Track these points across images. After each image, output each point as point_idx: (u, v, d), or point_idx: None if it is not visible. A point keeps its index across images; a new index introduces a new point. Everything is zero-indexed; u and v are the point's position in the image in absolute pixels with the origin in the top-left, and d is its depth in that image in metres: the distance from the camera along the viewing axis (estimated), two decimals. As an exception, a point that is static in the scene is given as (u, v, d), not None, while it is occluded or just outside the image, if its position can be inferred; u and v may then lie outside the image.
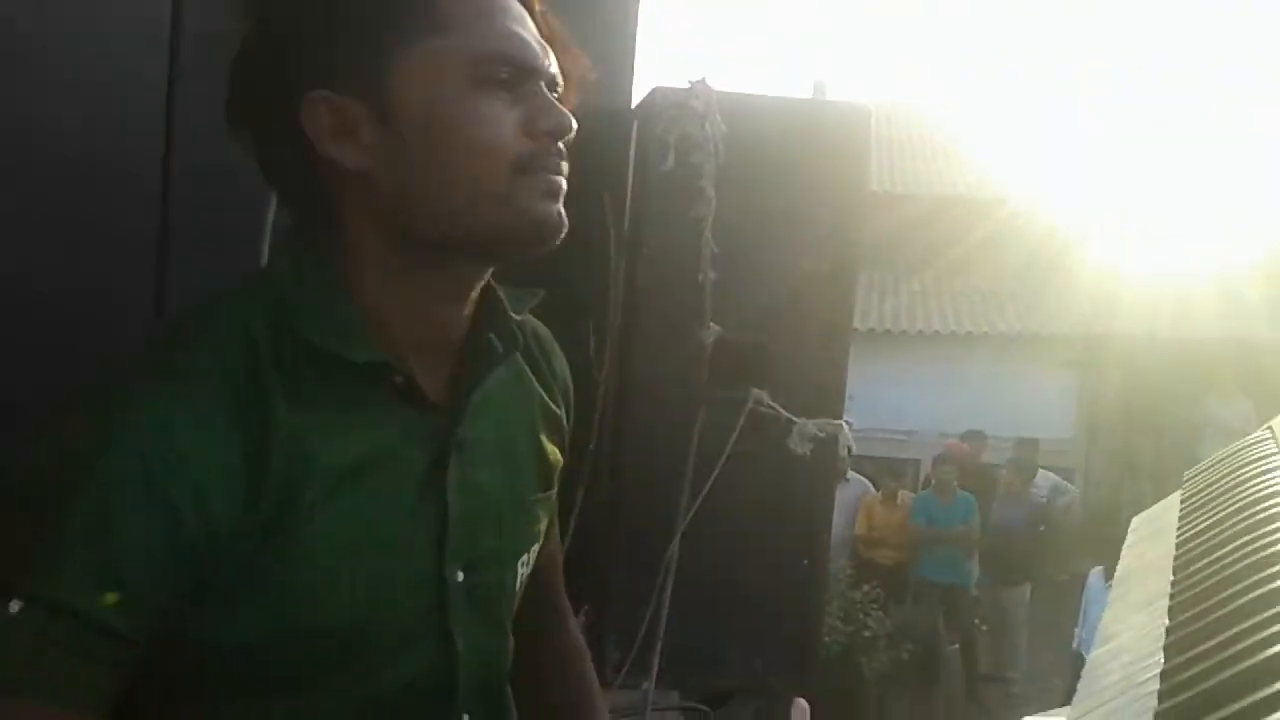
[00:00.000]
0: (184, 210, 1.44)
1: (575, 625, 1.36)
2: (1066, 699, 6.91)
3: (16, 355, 1.26)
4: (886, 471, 9.85)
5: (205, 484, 0.86)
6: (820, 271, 2.01)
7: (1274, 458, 1.26)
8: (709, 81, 1.96)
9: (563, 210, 0.99)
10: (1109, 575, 7.55)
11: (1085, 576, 7.99)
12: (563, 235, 0.99)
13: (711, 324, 1.96)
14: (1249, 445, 1.37)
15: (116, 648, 0.84)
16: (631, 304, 2.01)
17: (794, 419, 1.99)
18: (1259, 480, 1.19)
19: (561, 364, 1.23)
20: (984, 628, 9.63)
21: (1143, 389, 12.28)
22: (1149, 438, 12.36)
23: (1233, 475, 1.28)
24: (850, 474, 9.09)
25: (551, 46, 1.01)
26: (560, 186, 0.99)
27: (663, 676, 1.98)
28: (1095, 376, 12.48)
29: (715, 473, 1.96)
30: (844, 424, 2.04)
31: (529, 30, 0.98)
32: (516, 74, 0.95)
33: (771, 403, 1.99)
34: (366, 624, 0.96)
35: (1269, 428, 1.39)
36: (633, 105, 2.16)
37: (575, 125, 0.98)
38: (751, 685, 2.03)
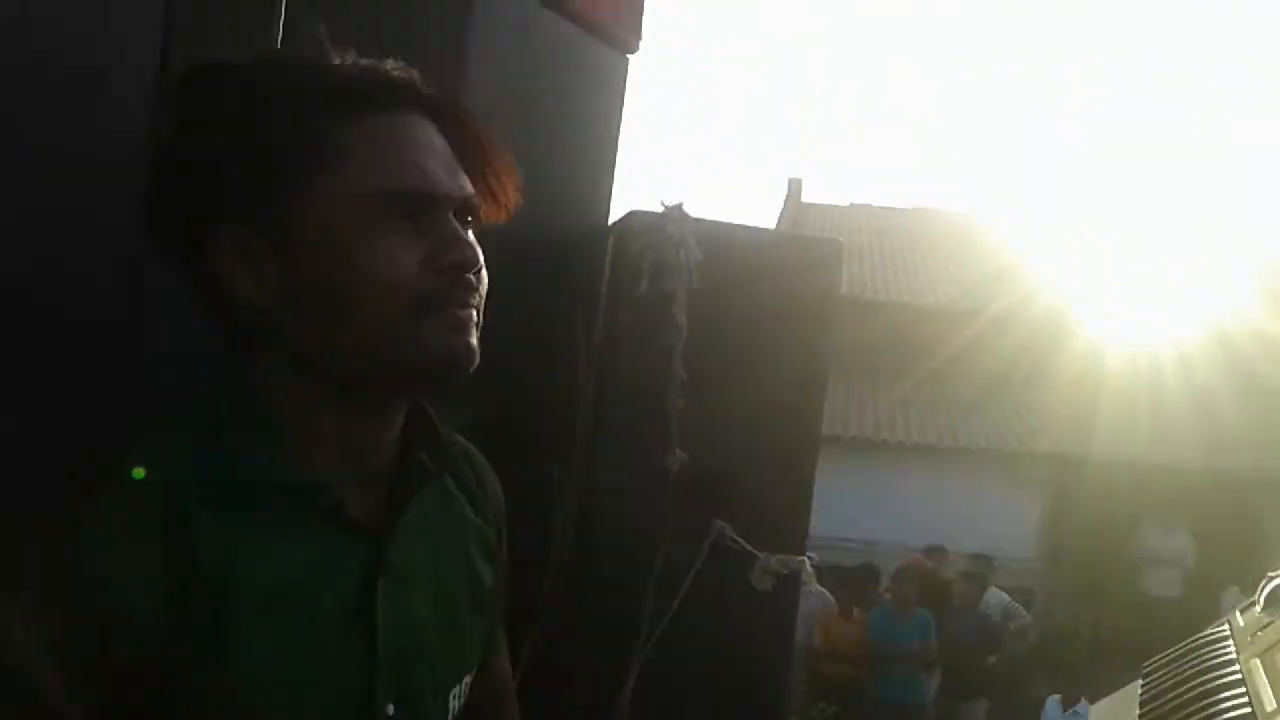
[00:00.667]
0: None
1: None
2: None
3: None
4: (845, 584, 9.77)
5: (131, 609, 0.84)
6: (787, 403, 2.01)
7: (1228, 650, 1.25)
8: (685, 206, 1.98)
9: (474, 342, 0.96)
10: (1066, 704, 7.53)
11: (1042, 702, 7.93)
12: (474, 366, 0.96)
13: (677, 450, 1.95)
14: (1207, 638, 1.36)
15: None
16: (600, 423, 2.00)
17: (756, 554, 1.96)
18: (1215, 675, 1.17)
19: (494, 482, 1.19)
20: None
21: (1107, 514, 12.35)
22: (1110, 563, 12.40)
23: (1191, 671, 1.27)
24: (812, 586, 8.98)
25: (478, 157, 1.00)
26: (469, 320, 0.96)
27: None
28: (1060, 498, 12.53)
29: (673, 607, 1.93)
30: (806, 559, 2.01)
31: (435, 156, 0.96)
32: (419, 207, 0.93)
33: (735, 536, 1.97)
34: None
35: (1226, 622, 1.38)
36: (609, 222, 2.18)
37: (481, 257, 0.96)
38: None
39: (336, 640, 0.94)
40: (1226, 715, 1.04)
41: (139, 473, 0.89)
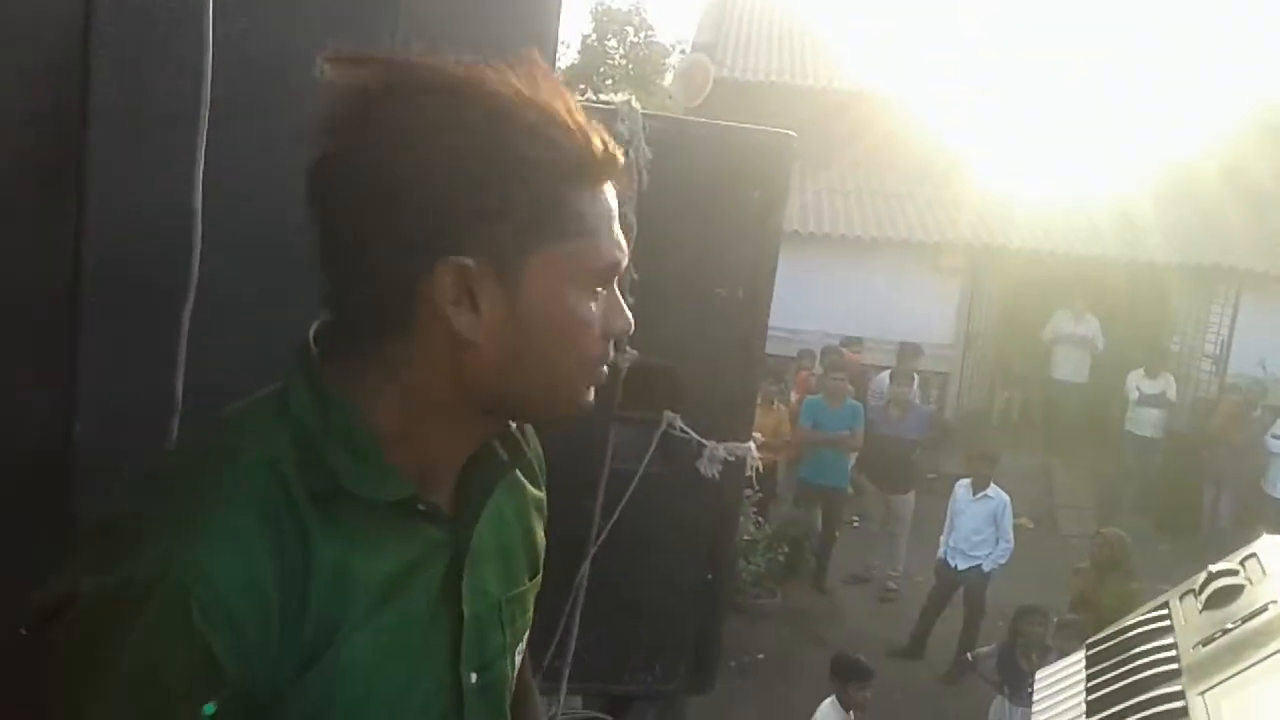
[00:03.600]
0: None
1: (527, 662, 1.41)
2: (930, 602, 7.28)
3: None
4: (769, 372, 10.06)
5: (245, 627, 0.87)
6: (736, 298, 2.04)
7: (1167, 633, 1.35)
8: (634, 102, 1.94)
9: None
10: (976, 487, 7.94)
11: (952, 482, 8.32)
12: None
13: (628, 348, 1.98)
14: (1147, 619, 1.46)
15: None
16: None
17: (704, 442, 2.04)
18: (1154, 654, 1.28)
19: (536, 442, 1.25)
20: (856, 524, 10.08)
21: (1022, 301, 12.72)
22: (1023, 347, 12.87)
23: (1132, 648, 1.38)
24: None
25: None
26: (603, 377, 1.03)
27: (569, 684, 2.05)
28: (978, 285, 12.84)
29: (628, 494, 2.01)
30: (751, 445, 2.09)
31: (617, 225, 1.00)
32: (611, 278, 0.99)
33: (684, 426, 2.03)
34: None
35: (1165, 604, 1.48)
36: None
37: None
38: (650, 693, 2.11)
39: (427, 624, 1.01)
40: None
41: (253, 454, 0.92)
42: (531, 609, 1.20)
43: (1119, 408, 11.76)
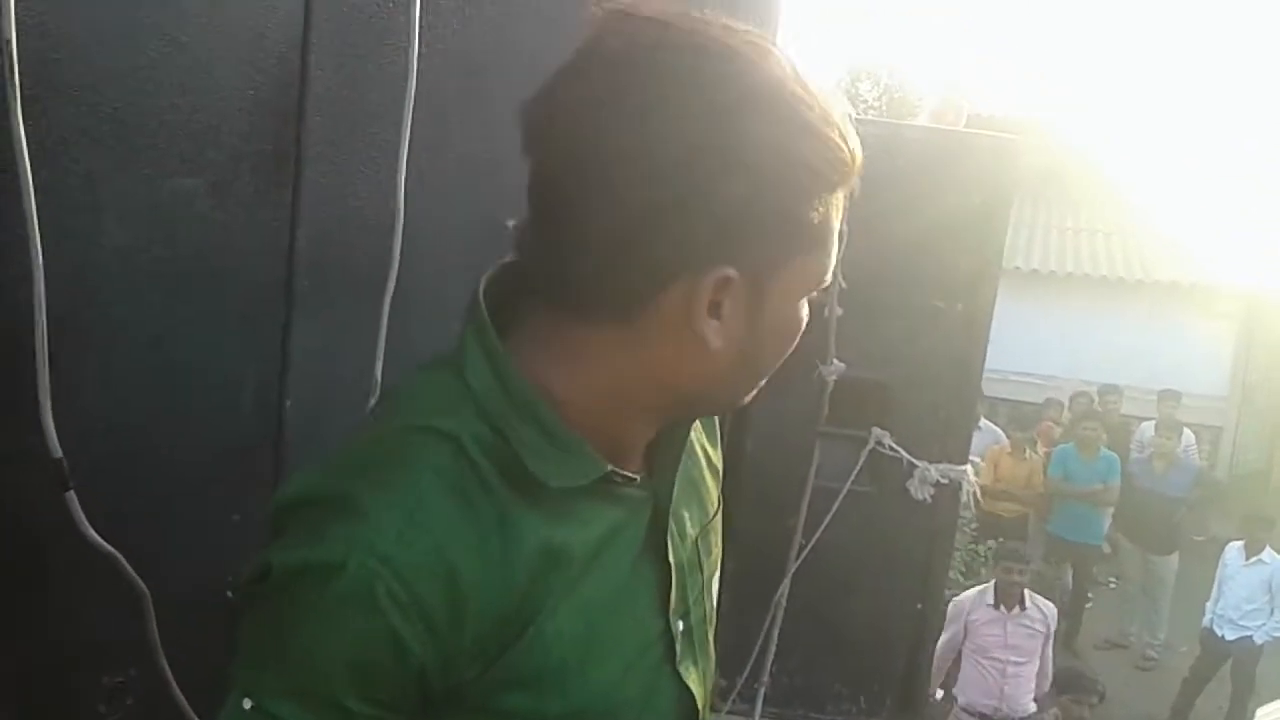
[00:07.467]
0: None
1: None
2: (1194, 674, 6.71)
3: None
4: (1018, 420, 9.60)
5: (433, 611, 0.85)
6: (954, 311, 1.94)
7: None
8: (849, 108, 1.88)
9: None
10: (1250, 551, 7.27)
11: (1222, 545, 7.70)
12: None
13: (836, 360, 1.92)
14: None
15: None
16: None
17: (915, 462, 1.94)
18: None
19: None
20: (1113, 585, 9.42)
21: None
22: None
23: None
24: (982, 422, 8.90)
25: None
26: None
27: (765, 707, 1.98)
28: (1255, 332, 11.82)
29: (831, 512, 1.93)
30: (968, 469, 1.98)
31: None
32: (823, 285, 0.96)
33: (893, 444, 1.94)
34: (612, 694, 0.97)
35: None
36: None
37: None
38: (854, 723, 2.02)
39: (631, 580, 0.99)
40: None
41: (439, 430, 0.90)
42: (720, 540, 1.15)
43: None
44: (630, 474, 0.96)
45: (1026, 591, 5.84)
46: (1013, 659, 5.67)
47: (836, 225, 0.92)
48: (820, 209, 0.88)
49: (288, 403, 1.41)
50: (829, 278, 0.94)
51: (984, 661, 5.72)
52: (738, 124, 0.84)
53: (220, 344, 1.35)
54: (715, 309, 0.87)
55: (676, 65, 0.84)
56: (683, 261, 0.86)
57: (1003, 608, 5.75)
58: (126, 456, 1.30)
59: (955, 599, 5.95)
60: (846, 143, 0.88)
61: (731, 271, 0.86)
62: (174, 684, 1.32)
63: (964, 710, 5.69)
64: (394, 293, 1.39)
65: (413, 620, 0.84)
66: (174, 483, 1.34)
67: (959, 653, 5.79)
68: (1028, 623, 5.74)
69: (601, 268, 0.88)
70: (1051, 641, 5.88)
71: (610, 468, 0.93)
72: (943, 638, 5.58)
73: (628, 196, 0.84)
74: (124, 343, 1.28)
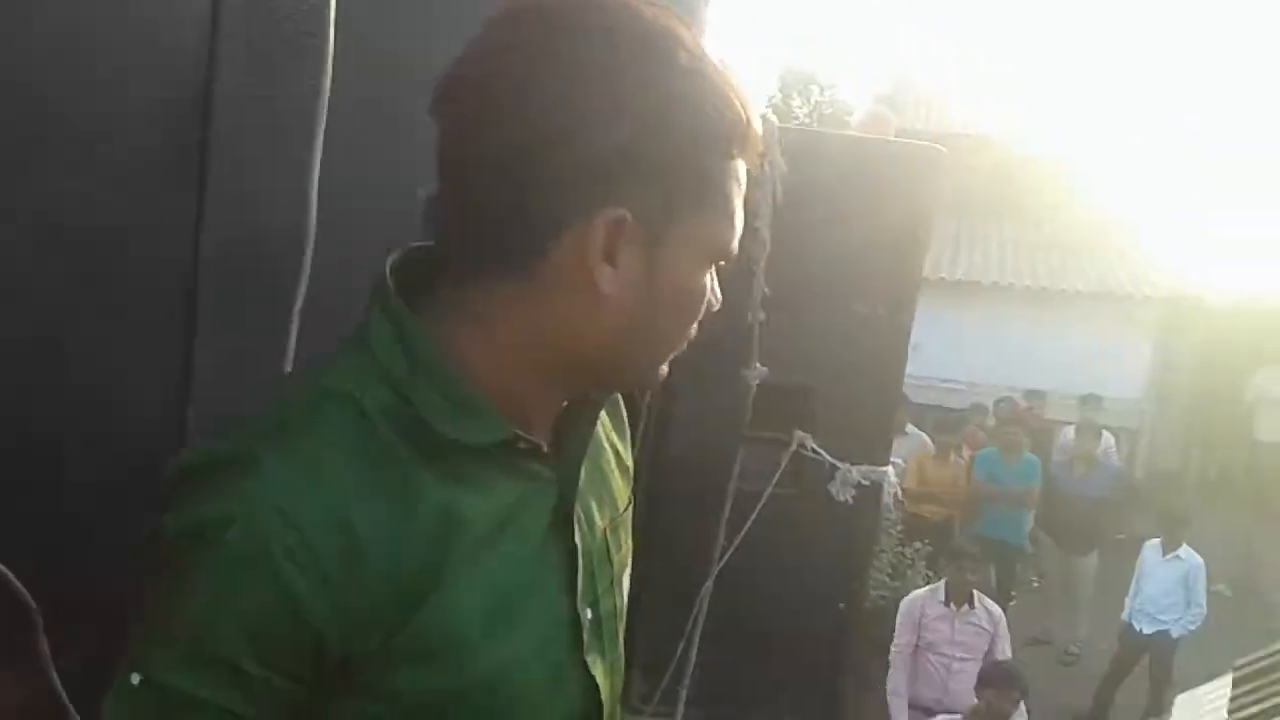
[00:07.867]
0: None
1: None
2: (1114, 668, 6.83)
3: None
4: (944, 425, 9.74)
5: (329, 567, 0.84)
6: (876, 316, 1.96)
7: None
8: (770, 115, 1.90)
9: None
10: (1166, 548, 7.44)
11: (1140, 542, 7.86)
12: None
13: (758, 365, 1.93)
14: None
15: None
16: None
17: (837, 464, 1.95)
18: None
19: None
20: (1036, 584, 9.60)
21: (1222, 358, 11.96)
22: (1222, 406, 12.08)
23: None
24: (909, 427, 9.01)
25: None
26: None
27: (688, 708, 1.98)
28: (1173, 339, 12.16)
29: (754, 514, 1.94)
30: (889, 470, 2.00)
31: None
32: (726, 257, 0.96)
33: (815, 446, 1.96)
34: (515, 674, 0.96)
35: None
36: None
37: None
38: (775, 724, 2.03)
39: (536, 562, 0.98)
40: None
41: (340, 393, 0.89)
42: (630, 538, 1.14)
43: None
44: (535, 440, 0.95)
45: (975, 592, 5.94)
46: (959, 655, 5.76)
47: (737, 197, 0.93)
48: (714, 167, 0.90)
49: (191, 415, 1.38)
50: (732, 250, 0.94)
51: (932, 657, 5.81)
52: (623, 68, 0.85)
53: (122, 350, 1.32)
54: (611, 257, 0.87)
55: (569, 18, 0.86)
56: (567, 205, 0.86)
57: (952, 605, 5.84)
58: (14, 476, 1.25)
59: (907, 597, 6.05)
60: (743, 106, 0.89)
61: (624, 213, 0.86)
62: (64, 695, 1.28)
63: (909, 704, 5.77)
64: (303, 302, 1.37)
65: (309, 575, 0.82)
66: (72, 500, 1.30)
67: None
68: (975, 621, 5.84)
69: (491, 221, 0.89)
70: (1008, 641, 5.96)
71: (516, 431, 0.92)
72: (903, 639, 5.73)
73: (502, 142, 0.86)
74: (12, 355, 1.24)
